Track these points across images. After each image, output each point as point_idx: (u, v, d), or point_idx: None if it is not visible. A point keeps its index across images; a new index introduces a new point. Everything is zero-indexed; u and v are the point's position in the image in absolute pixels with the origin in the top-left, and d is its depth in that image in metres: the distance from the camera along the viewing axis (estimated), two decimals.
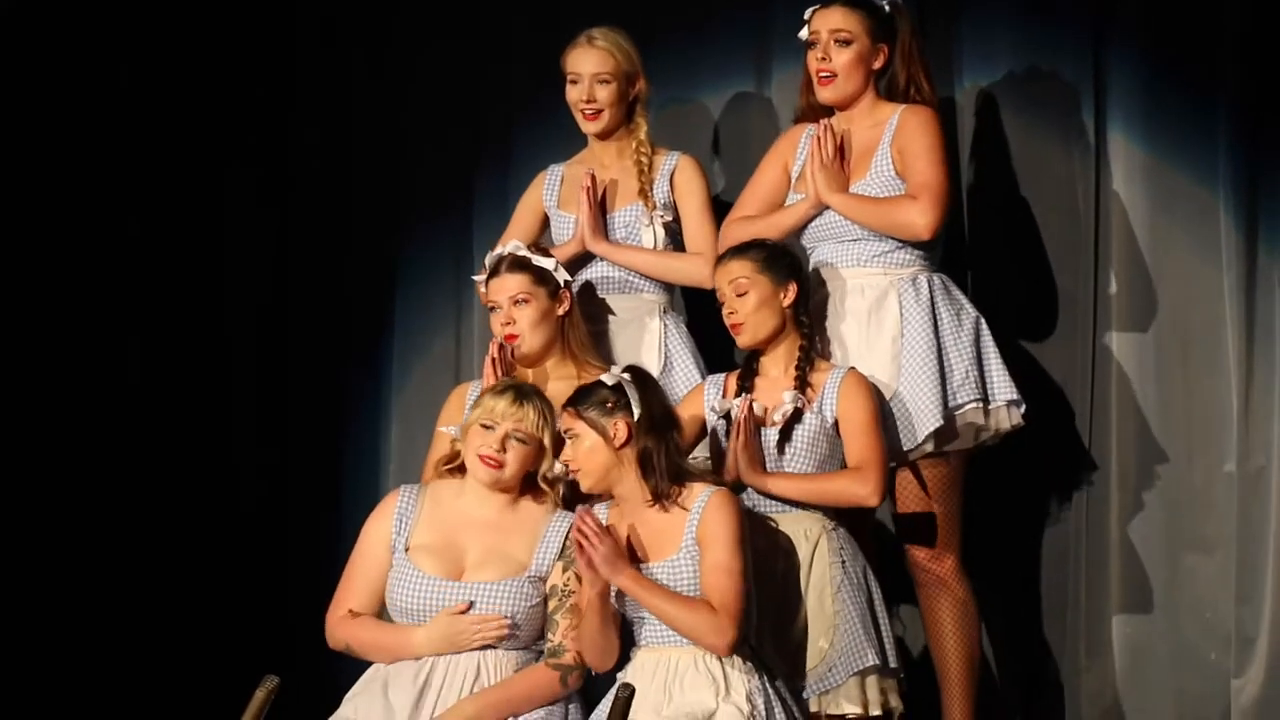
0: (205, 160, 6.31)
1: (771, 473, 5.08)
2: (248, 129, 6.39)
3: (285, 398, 6.43)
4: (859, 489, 5.07)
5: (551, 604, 4.92)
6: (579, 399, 4.90)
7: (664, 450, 4.86)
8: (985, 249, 5.90)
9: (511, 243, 5.37)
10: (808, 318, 5.22)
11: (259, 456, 6.37)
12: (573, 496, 5.04)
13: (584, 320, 5.43)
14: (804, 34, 5.47)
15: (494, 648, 4.88)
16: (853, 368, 5.22)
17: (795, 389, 5.12)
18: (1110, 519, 5.78)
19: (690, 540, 4.82)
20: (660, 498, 4.85)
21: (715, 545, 4.80)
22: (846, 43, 5.39)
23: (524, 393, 4.96)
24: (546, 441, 4.95)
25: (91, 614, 5.98)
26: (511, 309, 5.26)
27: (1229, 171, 5.71)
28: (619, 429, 4.86)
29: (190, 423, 6.27)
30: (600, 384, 4.90)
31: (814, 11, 5.44)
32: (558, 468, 4.99)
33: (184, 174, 6.28)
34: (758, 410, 5.11)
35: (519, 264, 5.28)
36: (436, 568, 4.93)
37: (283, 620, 6.15)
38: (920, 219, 5.30)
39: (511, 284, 5.26)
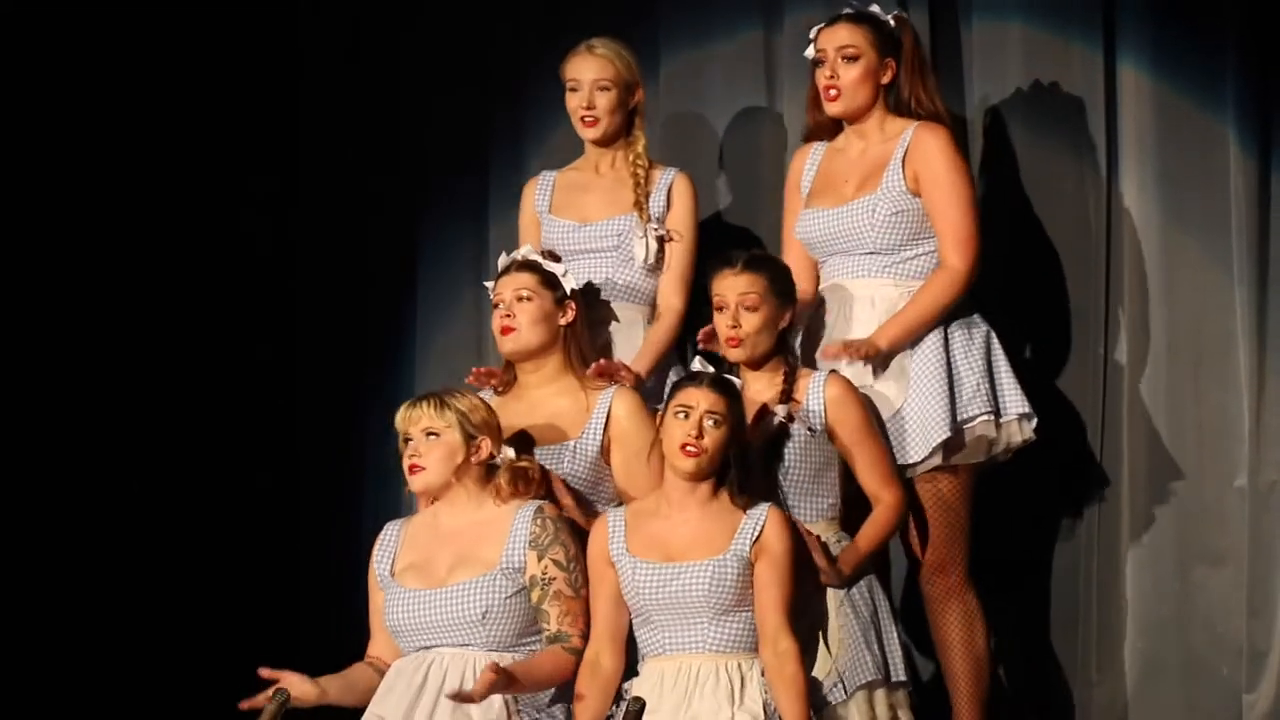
0: (217, 161, 6.34)
1: (844, 558, 5.09)
2: (258, 129, 6.41)
3: (300, 400, 6.47)
4: (896, 516, 5.17)
5: (535, 595, 4.97)
6: (736, 395, 4.97)
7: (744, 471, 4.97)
8: (995, 261, 5.85)
9: (525, 246, 5.43)
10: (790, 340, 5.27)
11: (273, 457, 6.40)
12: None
13: (589, 328, 5.45)
14: (810, 52, 5.50)
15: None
16: (833, 371, 5.23)
17: (782, 401, 5.14)
18: (1121, 533, 5.78)
19: (743, 547, 4.87)
20: (740, 508, 4.91)
21: (780, 566, 4.87)
22: (854, 58, 5.41)
23: (422, 397, 5.08)
24: (456, 433, 5.02)
25: (100, 619, 6.00)
26: (514, 304, 5.30)
27: (1242, 185, 5.69)
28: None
29: (204, 423, 6.29)
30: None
31: (820, 30, 5.47)
32: (501, 455, 5.07)
33: (195, 174, 6.31)
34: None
35: (527, 265, 5.35)
36: (418, 582, 5.03)
37: (295, 628, 6.20)
38: (958, 271, 5.35)
39: (518, 280, 5.32)
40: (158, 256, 6.21)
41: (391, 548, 5.12)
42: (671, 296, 5.56)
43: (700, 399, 4.93)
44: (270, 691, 4.87)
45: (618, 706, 4.92)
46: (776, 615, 4.86)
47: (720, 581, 4.87)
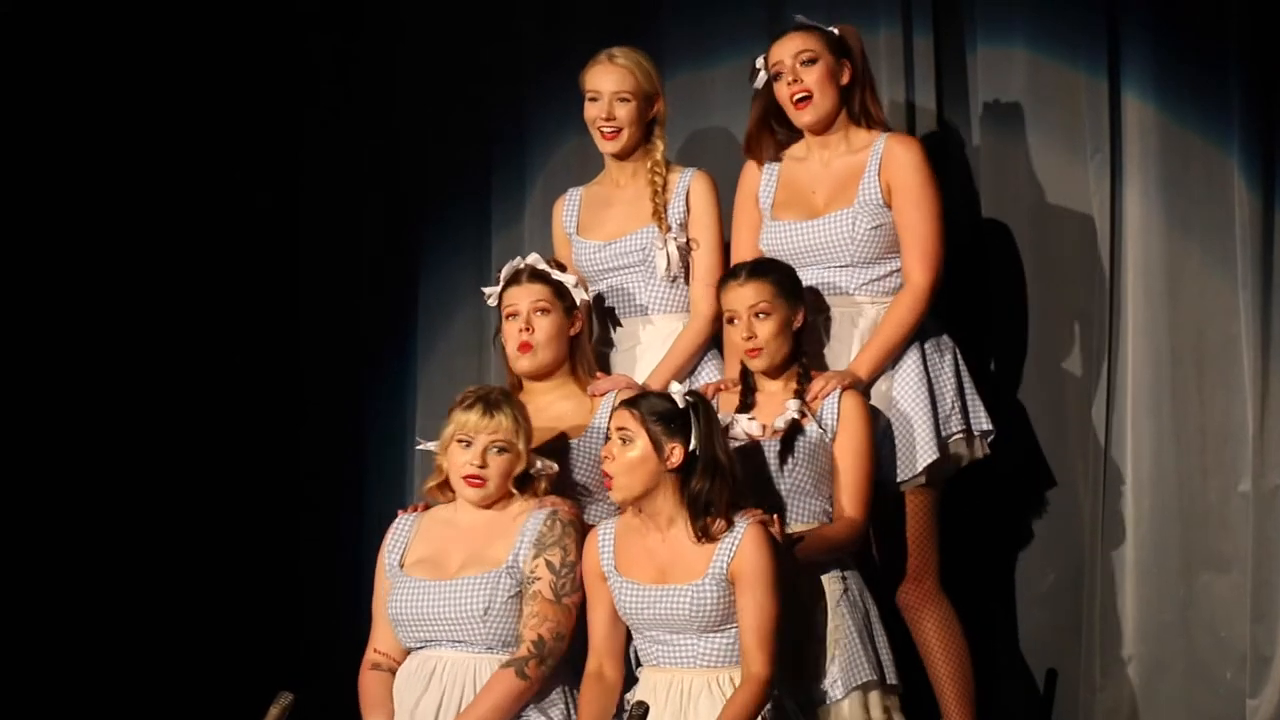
0: (221, 177, 6.37)
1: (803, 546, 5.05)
2: (263, 118, 6.45)
3: (304, 405, 6.50)
4: (851, 536, 5.12)
5: (522, 591, 4.97)
6: (646, 405, 4.88)
7: (717, 490, 4.87)
8: (1000, 264, 5.91)
9: (532, 255, 5.42)
10: (804, 341, 5.27)
11: (276, 459, 6.42)
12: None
13: (596, 342, 5.50)
14: (759, 79, 5.49)
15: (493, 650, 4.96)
16: (852, 386, 5.23)
17: (795, 397, 5.15)
18: (1125, 537, 5.77)
19: (720, 569, 4.83)
20: (701, 534, 4.86)
21: (757, 586, 4.81)
22: (812, 60, 5.42)
23: (493, 402, 5.02)
24: (521, 445, 5.01)
25: (103, 623, 6.02)
26: (532, 316, 5.30)
27: (1246, 189, 5.68)
28: (675, 453, 4.86)
29: (207, 426, 6.32)
30: (669, 399, 4.90)
31: (771, 47, 5.47)
32: (539, 463, 5.07)
33: (198, 191, 6.35)
34: (755, 430, 5.14)
35: (539, 275, 5.35)
36: (426, 574, 5.03)
37: (299, 630, 6.25)
38: (922, 288, 5.35)
39: (534, 291, 5.33)
40: (162, 264, 6.25)
41: (404, 539, 5.11)
42: (699, 302, 5.55)
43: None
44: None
45: (619, 715, 4.95)
46: (751, 637, 4.81)
47: (700, 605, 4.84)
